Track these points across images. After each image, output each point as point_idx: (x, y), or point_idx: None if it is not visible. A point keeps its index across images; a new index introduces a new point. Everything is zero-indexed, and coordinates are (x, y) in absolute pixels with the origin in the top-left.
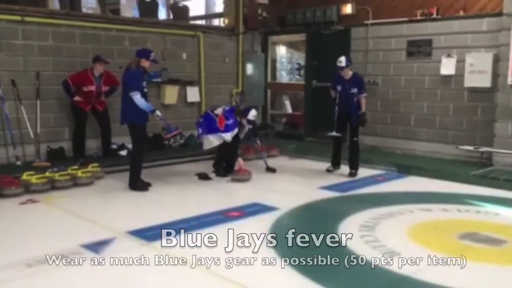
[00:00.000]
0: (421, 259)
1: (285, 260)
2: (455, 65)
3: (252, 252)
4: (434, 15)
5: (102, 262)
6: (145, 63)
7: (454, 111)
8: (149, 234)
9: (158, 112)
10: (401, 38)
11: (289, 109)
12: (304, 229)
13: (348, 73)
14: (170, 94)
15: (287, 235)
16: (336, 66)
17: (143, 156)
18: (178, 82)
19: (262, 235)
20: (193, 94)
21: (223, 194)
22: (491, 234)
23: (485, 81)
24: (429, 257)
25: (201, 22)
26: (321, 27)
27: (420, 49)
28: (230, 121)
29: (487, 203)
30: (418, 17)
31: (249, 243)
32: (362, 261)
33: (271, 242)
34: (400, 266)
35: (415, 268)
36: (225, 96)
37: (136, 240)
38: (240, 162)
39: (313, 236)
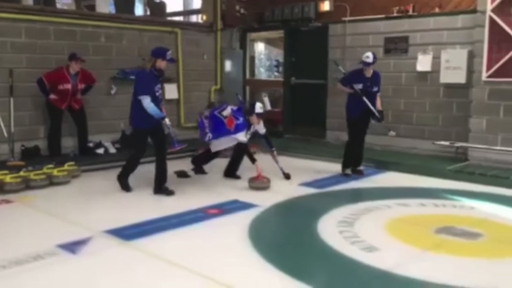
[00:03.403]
0: (399, 253)
1: (265, 257)
2: (431, 62)
3: (232, 250)
4: (410, 12)
5: (78, 262)
6: (161, 64)
7: (430, 107)
8: (127, 232)
9: (167, 121)
10: (378, 35)
11: (268, 106)
12: (283, 226)
13: (370, 71)
14: None
15: (266, 232)
16: (363, 62)
17: (137, 160)
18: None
19: (242, 233)
20: (171, 91)
21: (202, 191)
22: (467, 228)
23: (460, 77)
24: (407, 251)
25: (179, 18)
26: (299, 24)
27: (397, 45)
28: (240, 120)
29: (463, 197)
30: (395, 14)
31: (228, 241)
32: (341, 257)
33: (251, 240)
34: (378, 261)
35: (394, 262)
36: (204, 93)
37: (114, 239)
38: (258, 168)
39: (293, 232)
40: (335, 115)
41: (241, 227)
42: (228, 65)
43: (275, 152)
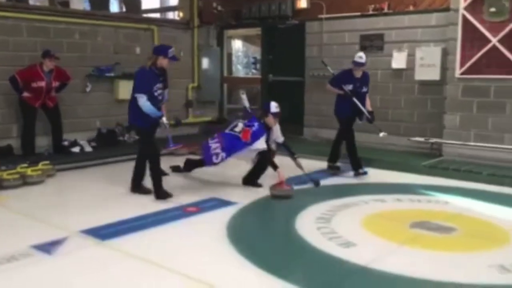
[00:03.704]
0: (375, 248)
1: (243, 255)
2: (406, 59)
3: (210, 248)
4: (386, 10)
5: (54, 263)
6: (163, 61)
7: (405, 104)
8: (103, 232)
9: (164, 119)
10: (354, 32)
11: (246, 104)
12: (261, 223)
13: (360, 71)
14: (124, 89)
15: (244, 230)
16: (355, 62)
17: (156, 160)
18: (132, 77)
19: (220, 231)
20: None
21: (179, 189)
22: (441, 222)
23: (434, 75)
24: (383, 246)
25: (155, 15)
26: (276, 21)
27: (372, 43)
28: (255, 126)
29: (438, 192)
30: (370, 12)
31: (206, 239)
32: (318, 253)
33: (229, 237)
34: (355, 256)
35: (370, 257)
36: (181, 91)
37: (90, 239)
38: (280, 175)
39: (271, 229)
40: (312, 112)
41: (219, 225)
42: (205, 63)
43: (298, 159)
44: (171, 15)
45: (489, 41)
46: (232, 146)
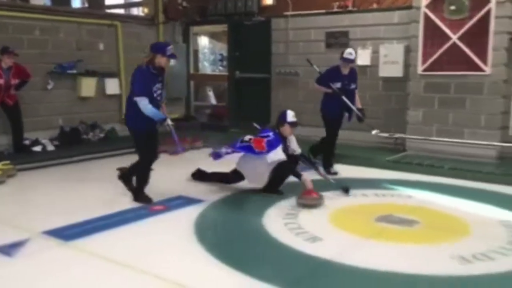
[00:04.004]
0: (341, 243)
1: (211, 253)
2: (371, 56)
3: (177, 246)
4: (350, 8)
5: (15, 265)
6: (161, 60)
7: (370, 100)
8: (67, 233)
9: (169, 121)
10: (320, 29)
11: (213, 101)
12: (229, 220)
13: (348, 68)
14: (87, 86)
15: (212, 227)
16: (345, 59)
17: (148, 166)
18: (96, 74)
19: (187, 229)
20: (112, 86)
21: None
22: (404, 215)
23: (397, 71)
24: (349, 240)
25: (120, 11)
26: (243, 18)
27: (337, 40)
28: (271, 136)
29: (401, 186)
30: (335, 10)
31: (174, 237)
32: (286, 249)
33: (196, 235)
34: (322, 251)
35: (336, 251)
36: None
37: (53, 240)
38: (308, 183)
39: (238, 227)
40: (279, 109)
41: (186, 223)
42: (171, 59)
43: (320, 168)
44: (135, 11)
45: (449, 38)
46: (245, 151)
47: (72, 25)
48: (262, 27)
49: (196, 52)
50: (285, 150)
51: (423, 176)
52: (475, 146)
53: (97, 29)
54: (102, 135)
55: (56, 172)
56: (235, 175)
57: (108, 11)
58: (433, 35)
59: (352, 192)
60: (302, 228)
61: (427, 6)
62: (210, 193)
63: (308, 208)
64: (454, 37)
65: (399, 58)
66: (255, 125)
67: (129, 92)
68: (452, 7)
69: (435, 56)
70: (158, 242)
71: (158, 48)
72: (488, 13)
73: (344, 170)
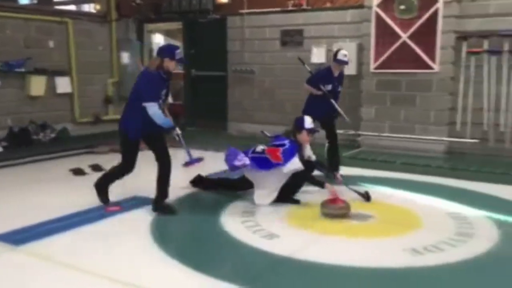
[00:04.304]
0: (298, 239)
1: (168, 254)
2: (325, 54)
3: (134, 247)
4: (305, 6)
5: None
6: (169, 64)
7: None
8: (18, 237)
9: (178, 130)
10: (275, 28)
11: (170, 99)
12: (186, 220)
13: (338, 70)
14: (37, 85)
15: (169, 228)
16: (340, 61)
17: (121, 174)
18: (45, 72)
19: (143, 229)
20: (63, 84)
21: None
22: (359, 211)
23: (351, 69)
24: (305, 236)
25: (70, 7)
26: (197, 16)
27: (292, 38)
28: (287, 145)
29: (357, 182)
30: (290, 8)
31: (130, 239)
32: (243, 246)
33: (153, 236)
34: (279, 248)
35: (293, 248)
36: (99, 86)
37: (3, 245)
38: (332, 191)
39: (196, 226)
40: (235, 107)
41: (142, 223)
42: (125, 57)
43: (337, 174)
44: (86, 8)
45: (399, 37)
46: (260, 166)
47: (19, 22)
48: (217, 25)
49: (150, 50)
50: (301, 158)
51: (378, 172)
52: (425, 141)
53: (46, 26)
54: (53, 135)
55: (6, 174)
56: (244, 184)
57: (58, 7)
58: (384, 34)
59: (309, 189)
60: (260, 225)
61: (379, 6)
62: None
63: (334, 218)
64: (404, 36)
65: (352, 57)
66: (265, 133)
67: (131, 95)
68: (402, 7)
69: (386, 55)
70: (114, 244)
71: (166, 52)
72: (435, 13)
73: None
